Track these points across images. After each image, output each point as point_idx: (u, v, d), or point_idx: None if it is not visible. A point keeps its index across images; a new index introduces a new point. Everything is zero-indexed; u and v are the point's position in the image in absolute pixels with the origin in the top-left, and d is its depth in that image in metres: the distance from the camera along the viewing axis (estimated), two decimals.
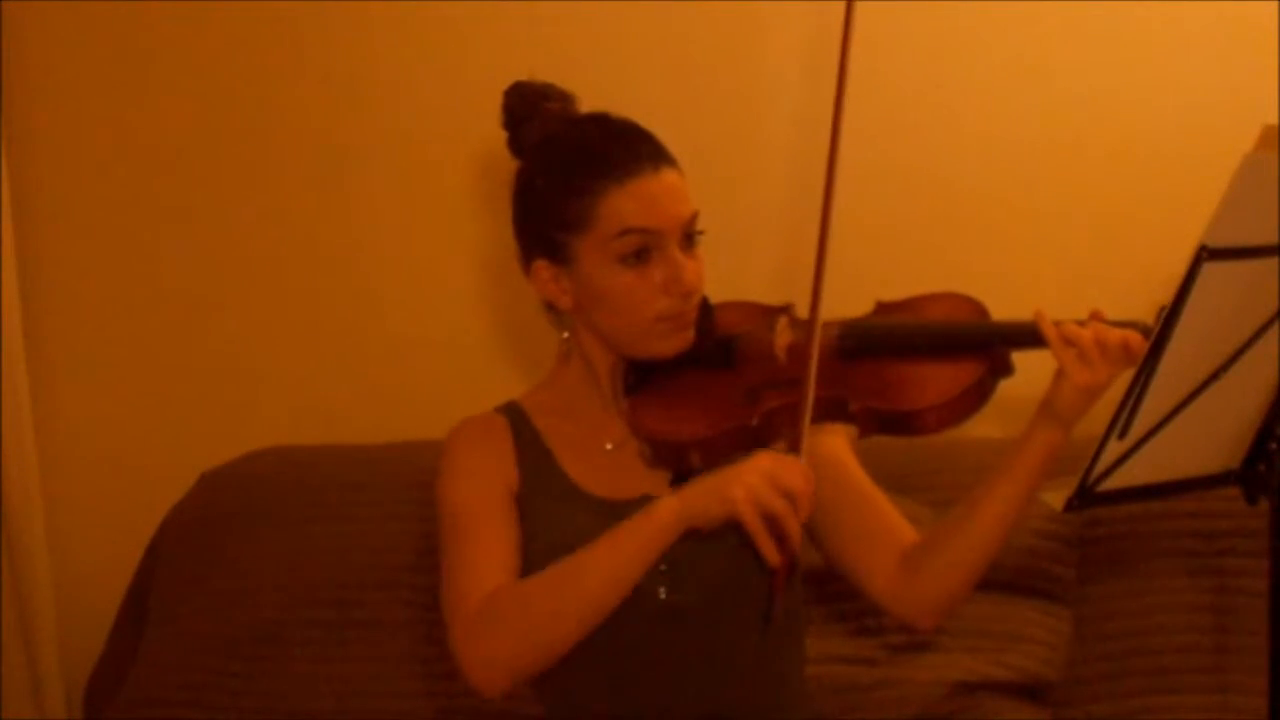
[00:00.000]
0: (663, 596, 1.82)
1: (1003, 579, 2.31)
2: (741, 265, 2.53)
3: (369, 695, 2.41)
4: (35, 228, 2.78)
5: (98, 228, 2.81)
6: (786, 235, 2.61)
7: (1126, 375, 1.70)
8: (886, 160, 2.59)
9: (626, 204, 1.80)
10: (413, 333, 2.76)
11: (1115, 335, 1.70)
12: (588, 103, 1.93)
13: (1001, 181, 2.61)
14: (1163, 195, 2.53)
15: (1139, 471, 1.68)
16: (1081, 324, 1.72)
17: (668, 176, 1.83)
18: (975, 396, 1.78)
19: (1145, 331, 1.70)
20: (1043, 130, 2.59)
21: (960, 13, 2.59)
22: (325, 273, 2.78)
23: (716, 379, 1.87)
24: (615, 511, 1.85)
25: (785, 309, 1.92)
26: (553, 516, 1.86)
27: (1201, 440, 1.70)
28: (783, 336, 1.88)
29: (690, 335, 1.86)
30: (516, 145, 1.92)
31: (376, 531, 2.50)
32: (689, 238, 1.84)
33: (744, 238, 2.60)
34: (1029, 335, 1.75)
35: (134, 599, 2.61)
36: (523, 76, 1.94)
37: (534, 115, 1.90)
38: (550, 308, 1.91)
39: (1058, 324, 1.72)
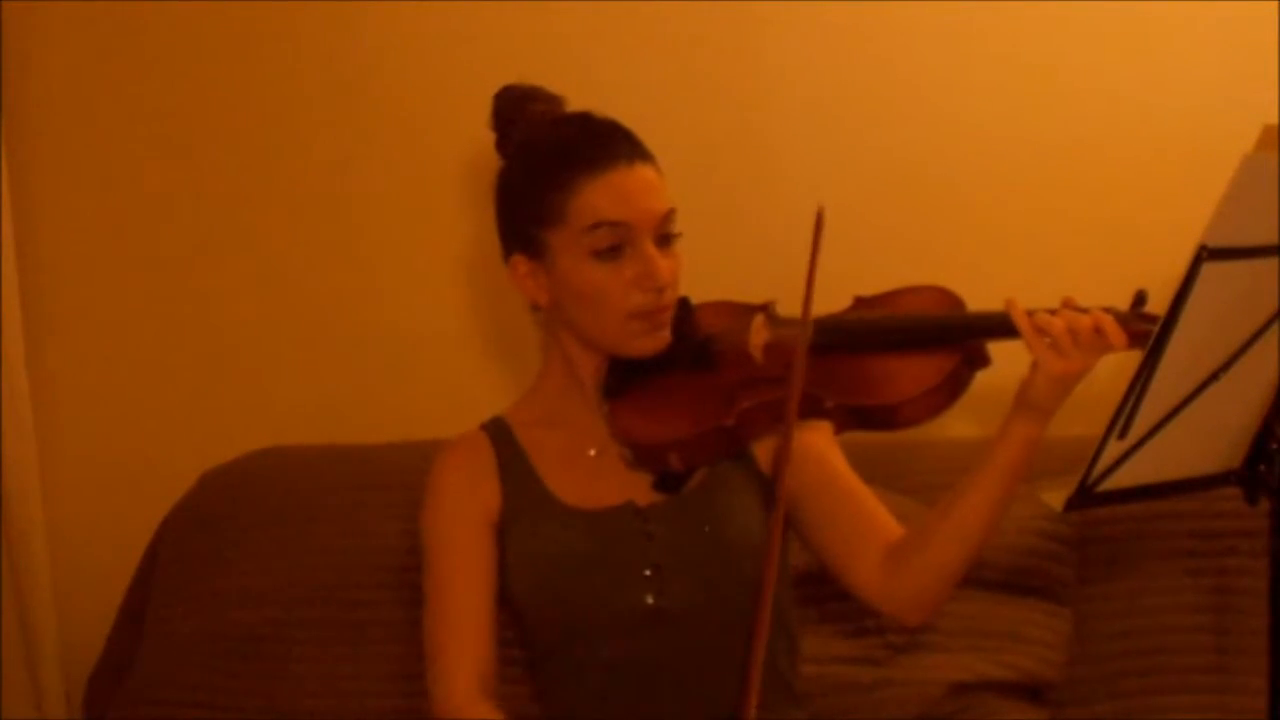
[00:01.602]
0: (650, 602, 1.82)
1: (1003, 579, 2.31)
2: (732, 266, 2.52)
3: (369, 695, 2.41)
4: (35, 228, 2.78)
5: (98, 228, 2.81)
6: (780, 236, 2.60)
7: (1108, 369, 1.70)
8: (878, 159, 2.59)
9: (598, 197, 1.81)
10: (413, 333, 2.76)
11: (1086, 321, 1.69)
12: (584, 103, 1.93)
13: (999, 181, 2.61)
14: (1162, 195, 2.53)
15: (1139, 471, 1.67)
16: (1053, 312, 1.71)
17: (643, 171, 1.83)
18: (950, 389, 1.78)
19: (1118, 315, 1.70)
20: (1041, 130, 2.59)
21: (958, 11, 2.59)
22: (325, 272, 2.78)
23: (694, 379, 1.87)
24: (596, 521, 1.85)
25: (763, 307, 1.92)
26: (534, 533, 1.87)
27: (1201, 440, 1.70)
28: (758, 335, 1.88)
29: (666, 336, 1.85)
30: (503, 147, 1.93)
31: (376, 531, 2.49)
32: (664, 236, 1.84)
33: (735, 238, 2.60)
34: (1001, 326, 1.74)
35: (134, 599, 2.61)
36: (518, 78, 1.94)
37: (520, 117, 1.91)
38: (533, 307, 1.91)
39: (1030, 313, 1.72)
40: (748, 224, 2.63)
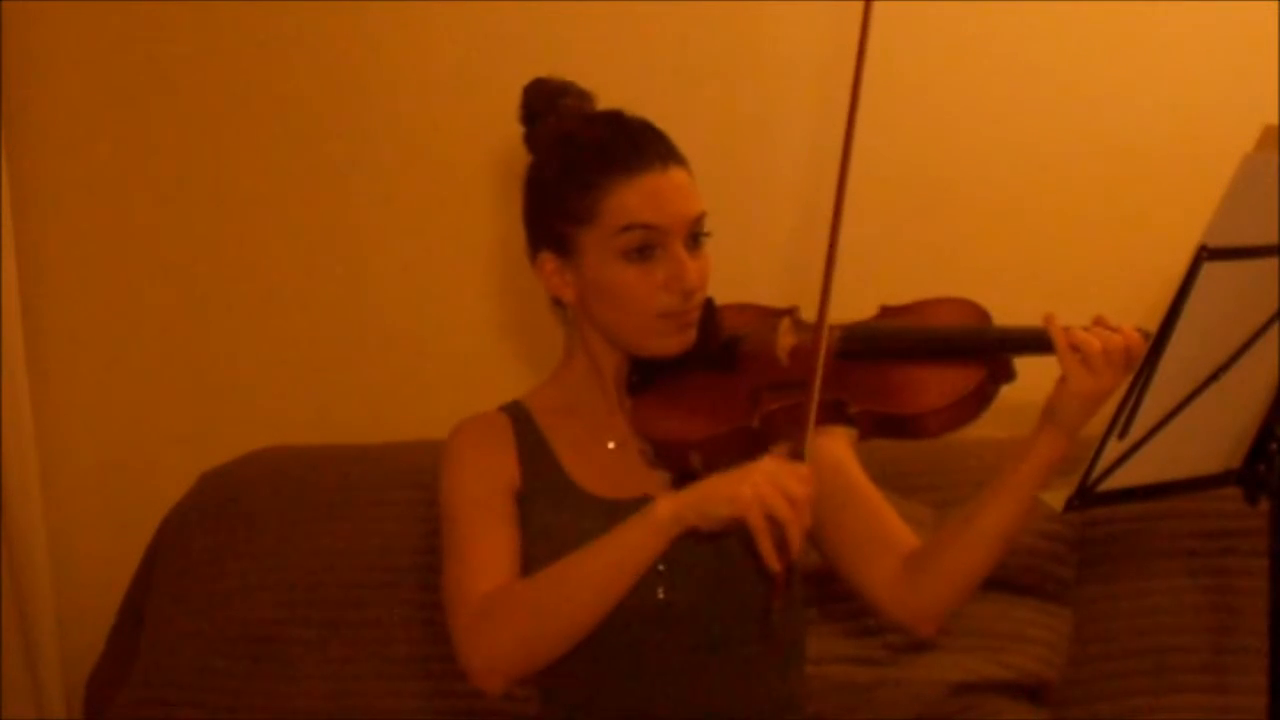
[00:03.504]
0: (661, 596, 1.82)
1: (1003, 579, 2.31)
2: (751, 268, 2.53)
3: (369, 695, 2.41)
4: (35, 228, 2.78)
5: (98, 228, 2.81)
6: (796, 238, 2.60)
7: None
8: (891, 165, 2.59)
9: (632, 199, 1.81)
10: (413, 333, 2.76)
11: (1118, 341, 1.69)
12: (600, 102, 1.93)
13: (1000, 182, 2.61)
14: (1163, 195, 2.53)
15: (1139, 471, 1.67)
16: (1086, 330, 1.71)
17: (676, 175, 1.83)
18: (975, 401, 1.78)
19: (1148, 336, 1.70)
20: (1042, 131, 2.59)
21: (961, 15, 2.59)
22: (325, 273, 2.78)
23: (719, 380, 1.87)
24: (615, 511, 1.85)
25: (789, 311, 1.92)
26: (553, 517, 1.87)
27: (1201, 440, 1.70)
28: (785, 339, 1.88)
29: (691, 336, 1.86)
30: (532, 140, 1.93)
31: (376, 531, 2.50)
32: (695, 238, 1.84)
33: (754, 240, 2.60)
34: (1030, 340, 1.74)
35: (134, 599, 2.61)
36: (533, 76, 1.94)
37: (551, 111, 1.91)
38: (556, 302, 1.92)
39: (1065, 329, 1.72)
40: (753, 225, 2.63)
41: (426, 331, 2.76)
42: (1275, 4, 2.49)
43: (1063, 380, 1.72)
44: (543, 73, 1.94)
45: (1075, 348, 1.70)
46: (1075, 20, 2.57)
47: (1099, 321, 1.72)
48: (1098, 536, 2.37)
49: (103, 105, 2.79)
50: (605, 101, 1.93)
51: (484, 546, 1.84)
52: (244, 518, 2.55)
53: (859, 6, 2.53)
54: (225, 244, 2.79)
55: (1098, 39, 2.57)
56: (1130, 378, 1.62)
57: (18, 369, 2.70)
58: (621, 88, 1.94)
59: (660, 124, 1.88)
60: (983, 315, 1.85)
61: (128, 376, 2.83)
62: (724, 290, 1.91)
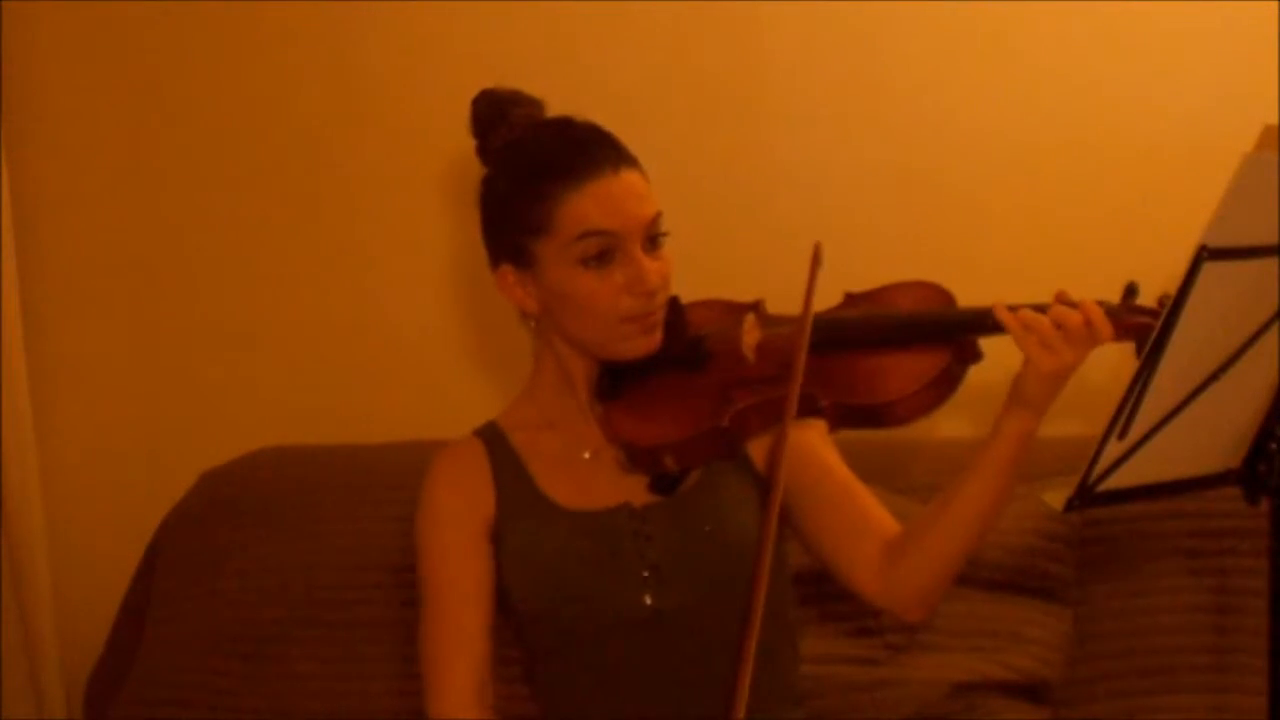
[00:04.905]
0: (648, 602, 1.82)
1: (1003, 579, 2.31)
2: (730, 264, 2.52)
3: (369, 695, 2.41)
4: (35, 228, 2.78)
5: (98, 227, 2.81)
6: (773, 233, 2.60)
7: (1108, 368, 1.70)
8: (888, 165, 2.59)
9: (585, 206, 1.80)
10: (412, 333, 2.76)
11: (1074, 316, 1.69)
12: (574, 105, 1.92)
13: (1000, 181, 2.61)
14: (1162, 195, 2.53)
15: (1139, 471, 1.67)
16: (1040, 308, 1.71)
17: (627, 177, 1.82)
18: (943, 385, 1.77)
19: (1109, 308, 1.70)
20: (1042, 130, 2.59)
21: (958, 12, 2.59)
22: (325, 273, 2.78)
23: (687, 380, 1.86)
24: (592, 523, 1.85)
25: (754, 306, 1.92)
26: (530, 535, 1.87)
27: (1201, 440, 1.70)
28: (750, 335, 1.87)
29: (658, 337, 1.85)
30: (484, 153, 1.92)
31: (376, 531, 2.49)
32: (653, 239, 1.84)
33: (732, 236, 2.60)
34: (992, 321, 1.74)
35: (134, 599, 2.61)
36: (515, 78, 1.93)
37: (501, 122, 1.90)
38: (521, 314, 1.91)
39: (1015, 310, 1.72)
40: (745, 221, 2.63)
41: (426, 332, 2.76)
42: (1275, 4, 2.49)
43: (1026, 361, 1.72)
44: (525, 75, 1.93)
45: (1029, 328, 1.70)
46: (1074, 20, 2.57)
47: (1059, 298, 1.72)
48: (1098, 536, 2.37)
49: (103, 105, 2.79)
50: (588, 101, 1.91)
51: (453, 610, 1.90)
52: (244, 518, 2.56)
53: (853, 7, 2.55)
54: (226, 244, 2.79)
55: (1097, 39, 2.57)
56: (1122, 369, 1.62)
57: (17, 368, 2.70)
58: (603, 87, 1.94)
59: (634, 122, 1.87)
60: (946, 297, 1.85)
61: (127, 376, 2.83)
62: (705, 288, 1.91)
